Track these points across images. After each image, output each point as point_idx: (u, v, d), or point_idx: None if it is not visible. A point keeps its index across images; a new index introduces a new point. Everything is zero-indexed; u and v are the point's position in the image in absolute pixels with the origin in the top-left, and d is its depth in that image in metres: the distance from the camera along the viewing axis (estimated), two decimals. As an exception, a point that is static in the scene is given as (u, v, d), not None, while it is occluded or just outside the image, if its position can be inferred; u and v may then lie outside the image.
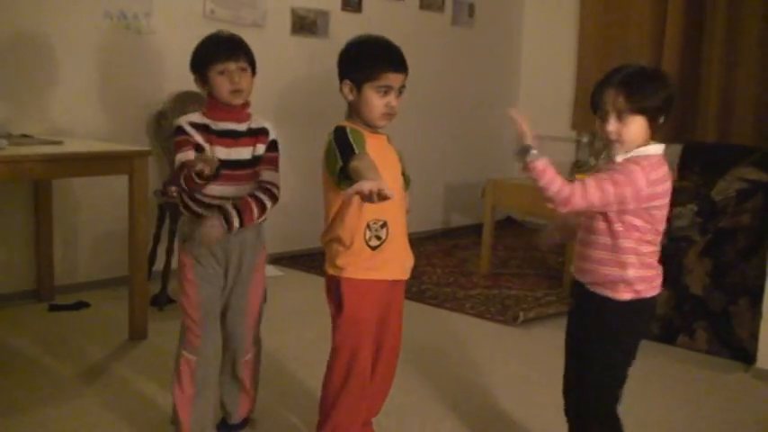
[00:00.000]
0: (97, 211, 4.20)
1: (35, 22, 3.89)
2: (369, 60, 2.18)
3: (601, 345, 2.16)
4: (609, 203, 2.02)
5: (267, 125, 2.51)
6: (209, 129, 2.43)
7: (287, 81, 4.92)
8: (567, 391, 2.30)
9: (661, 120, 2.08)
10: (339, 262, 2.23)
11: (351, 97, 2.20)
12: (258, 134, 2.48)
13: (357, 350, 2.26)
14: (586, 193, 1.99)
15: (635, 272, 2.08)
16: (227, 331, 2.56)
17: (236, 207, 2.37)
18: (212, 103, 2.45)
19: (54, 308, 3.89)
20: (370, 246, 2.21)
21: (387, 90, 2.17)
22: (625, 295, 2.10)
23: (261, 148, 2.48)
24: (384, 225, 2.21)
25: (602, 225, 2.09)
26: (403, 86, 2.21)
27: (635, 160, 2.05)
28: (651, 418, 2.93)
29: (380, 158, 2.11)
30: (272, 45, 4.83)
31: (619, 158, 2.08)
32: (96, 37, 4.11)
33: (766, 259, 3.33)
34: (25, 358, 3.29)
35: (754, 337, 3.41)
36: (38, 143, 3.46)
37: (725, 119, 5.43)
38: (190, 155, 2.36)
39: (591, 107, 2.11)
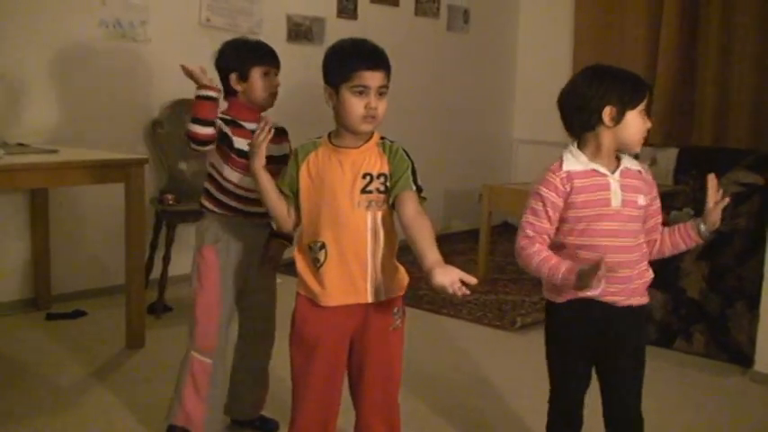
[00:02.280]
0: (94, 219, 4.20)
1: (31, 31, 3.89)
2: (341, 60, 2.05)
3: None
4: (527, 227, 2.23)
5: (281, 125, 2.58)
6: (238, 124, 2.45)
7: (283, 88, 4.88)
8: None
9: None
10: (297, 276, 2.16)
11: (331, 103, 2.07)
12: (281, 133, 2.54)
13: (306, 369, 2.16)
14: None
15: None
16: (255, 323, 2.63)
17: None
18: (238, 104, 2.49)
19: (51, 316, 3.88)
20: (313, 267, 2.09)
21: (363, 90, 2.00)
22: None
23: (286, 147, 2.55)
24: (322, 247, 2.06)
25: None
26: (384, 87, 2.04)
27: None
28: (649, 421, 2.92)
29: (324, 176, 2.07)
30: (268, 52, 4.83)
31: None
32: (92, 45, 4.11)
33: (763, 262, 3.33)
34: (22, 367, 3.29)
35: (752, 340, 3.41)
36: (34, 152, 3.45)
37: (720, 122, 5.44)
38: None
39: (635, 99, 2.11)
